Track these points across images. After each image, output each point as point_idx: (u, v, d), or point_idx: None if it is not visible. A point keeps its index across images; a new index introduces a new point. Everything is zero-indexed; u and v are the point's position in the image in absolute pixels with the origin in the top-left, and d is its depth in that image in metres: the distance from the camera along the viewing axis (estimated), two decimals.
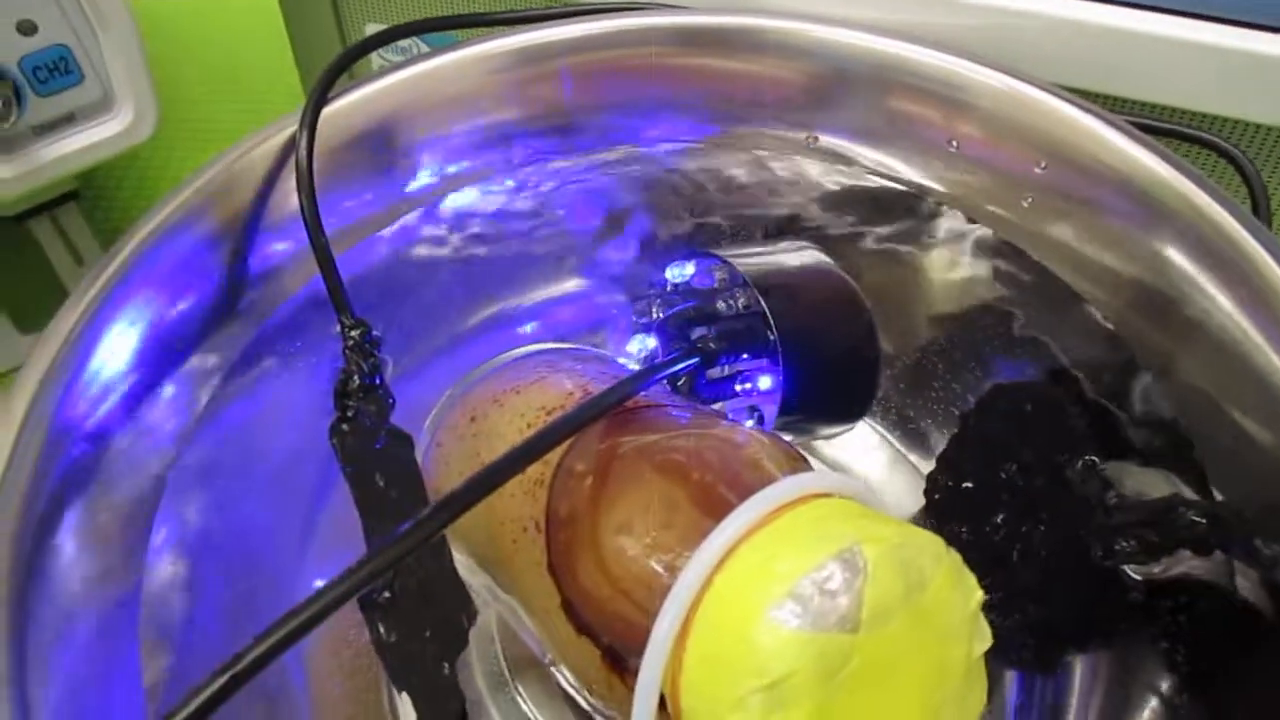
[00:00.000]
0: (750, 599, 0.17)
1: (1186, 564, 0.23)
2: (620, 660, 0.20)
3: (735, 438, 0.21)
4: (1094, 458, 0.24)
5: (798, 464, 0.21)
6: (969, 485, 0.26)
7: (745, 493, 0.18)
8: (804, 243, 0.29)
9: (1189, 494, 0.22)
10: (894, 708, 0.17)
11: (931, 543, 0.18)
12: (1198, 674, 0.22)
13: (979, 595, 0.19)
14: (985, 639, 0.19)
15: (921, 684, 0.18)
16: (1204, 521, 0.20)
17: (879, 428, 0.31)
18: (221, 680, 0.16)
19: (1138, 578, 0.22)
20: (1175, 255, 0.23)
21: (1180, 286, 0.23)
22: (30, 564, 0.19)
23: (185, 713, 0.16)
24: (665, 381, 0.27)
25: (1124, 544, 0.22)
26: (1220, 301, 0.22)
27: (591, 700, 0.21)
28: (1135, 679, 0.23)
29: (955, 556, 0.18)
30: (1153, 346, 0.24)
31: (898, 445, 0.30)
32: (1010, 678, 0.25)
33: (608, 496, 0.21)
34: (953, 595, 0.18)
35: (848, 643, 0.17)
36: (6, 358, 0.36)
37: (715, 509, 0.19)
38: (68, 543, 0.20)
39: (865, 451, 0.31)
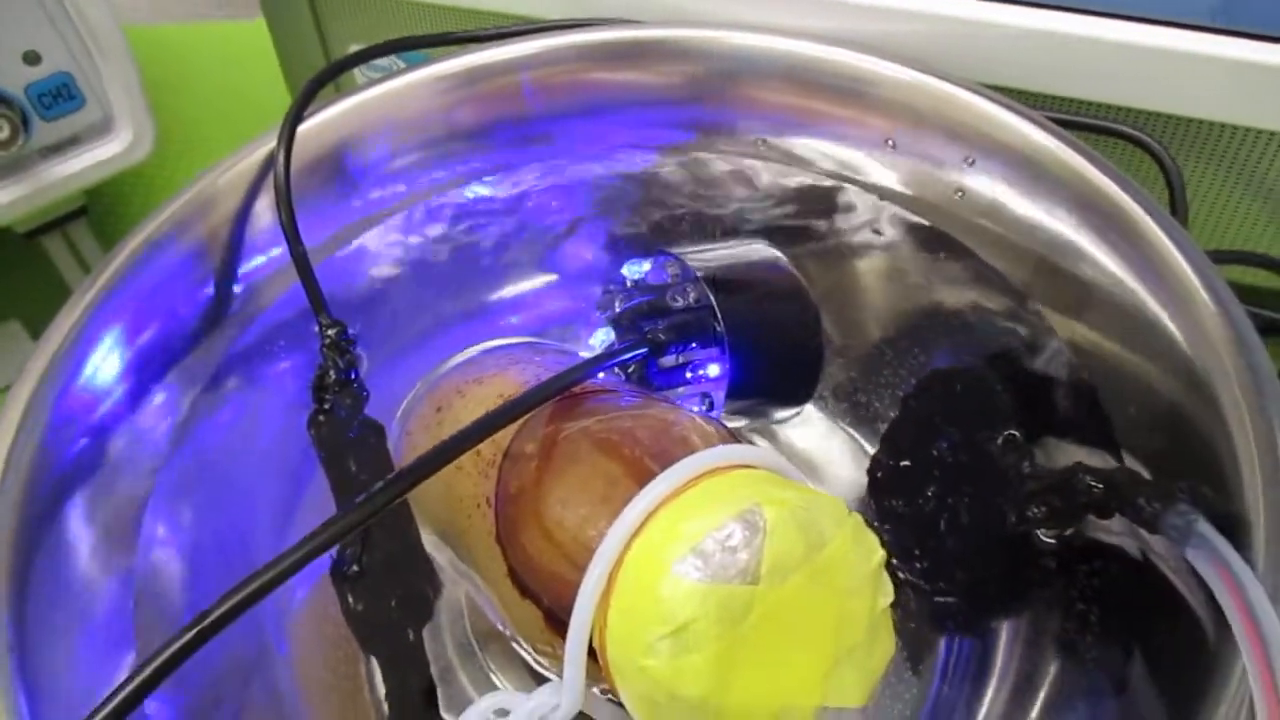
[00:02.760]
0: (660, 556, 0.19)
1: (1102, 530, 0.24)
2: (558, 621, 0.22)
3: (668, 418, 0.23)
4: (1014, 432, 0.25)
5: (726, 440, 0.23)
6: (906, 463, 0.28)
7: (670, 466, 0.20)
8: (756, 239, 0.31)
9: (1100, 462, 0.23)
10: (798, 656, 0.19)
11: (833, 505, 0.20)
12: (1107, 629, 0.23)
13: (880, 554, 0.20)
14: (888, 594, 0.20)
15: (825, 635, 0.19)
16: (1101, 486, 0.22)
17: (832, 414, 0.32)
18: (190, 634, 0.18)
19: (1051, 541, 0.24)
20: (1084, 234, 0.25)
21: (1086, 259, 0.25)
22: (33, 546, 0.22)
23: (157, 663, 0.18)
24: (621, 371, 0.29)
25: (1035, 511, 0.24)
26: (1114, 269, 0.24)
27: (540, 660, 0.23)
28: (1052, 636, 0.24)
29: (856, 518, 0.20)
30: (1064, 316, 0.26)
31: (851, 431, 0.32)
32: (940, 640, 0.27)
33: (550, 474, 0.23)
34: (853, 553, 0.20)
35: (748, 594, 0.18)
36: (21, 364, 0.38)
37: (643, 481, 0.21)
38: (69, 526, 0.23)
39: (821, 437, 0.32)
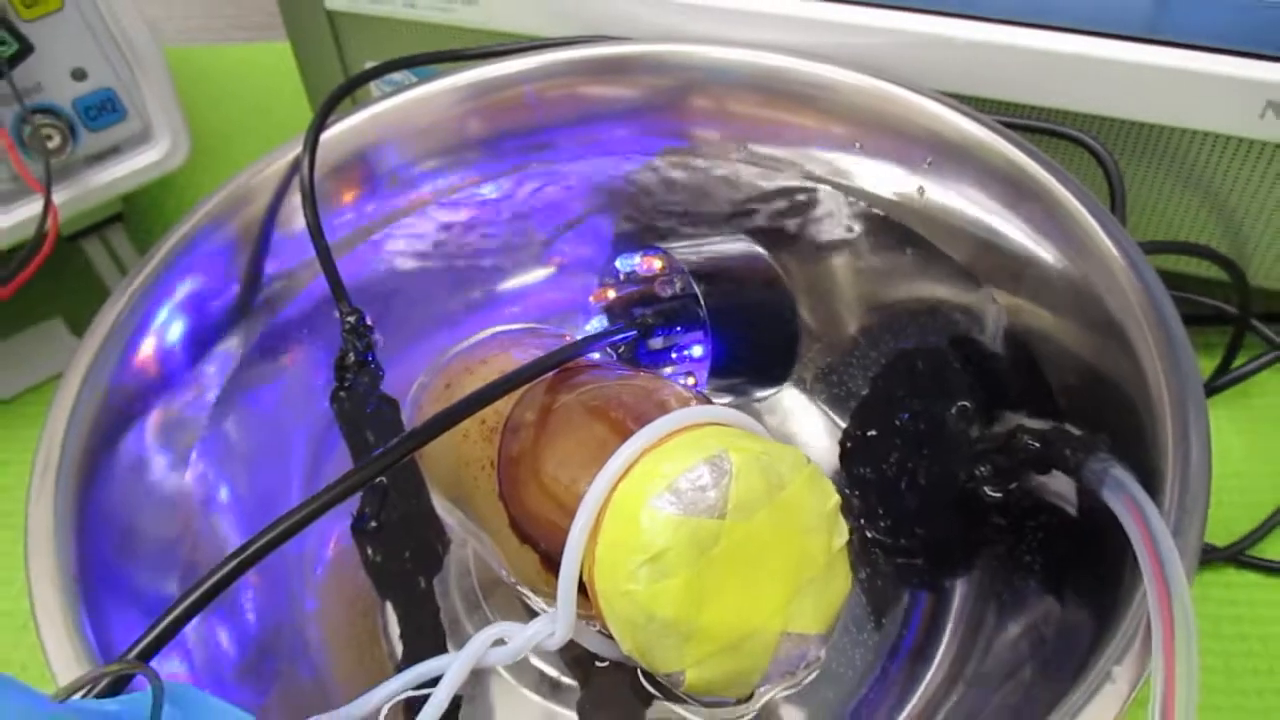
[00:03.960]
0: (640, 494, 0.21)
1: (1045, 491, 0.27)
2: (553, 562, 0.24)
3: (649, 386, 0.26)
4: (966, 403, 0.28)
5: (701, 403, 0.25)
6: (873, 434, 0.31)
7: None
8: (738, 235, 0.34)
9: (1040, 425, 0.26)
10: (761, 583, 0.22)
11: (792, 454, 0.23)
12: (1048, 576, 0.26)
13: (835, 499, 0.23)
14: (843, 535, 0.23)
15: (785, 566, 0.22)
16: (1037, 444, 0.25)
17: (811, 394, 0.35)
18: (230, 565, 0.21)
19: (998, 495, 0.27)
20: (1026, 221, 0.28)
21: (1028, 243, 0.28)
22: (99, 452, 0.24)
23: (204, 588, 0.21)
24: (613, 352, 0.31)
25: (981, 469, 0.26)
26: (1051, 251, 0.27)
27: (538, 600, 0.26)
28: (1000, 582, 0.27)
29: (814, 467, 0.23)
30: (1010, 295, 0.28)
31: (827, 409, 0.35)
32: (903, 594, 0.29)
33: (546, 437, 0.26)
34: (810, 496, 0.23)
35: (716, 527, 0.21)
36: (64, 359, 0.41)
37: (627, 439, 0.23)
38: (127, 463, 0.26)
39: (801, 416, 0.35)
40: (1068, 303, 0.27)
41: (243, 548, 0.21)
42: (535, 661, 0.29)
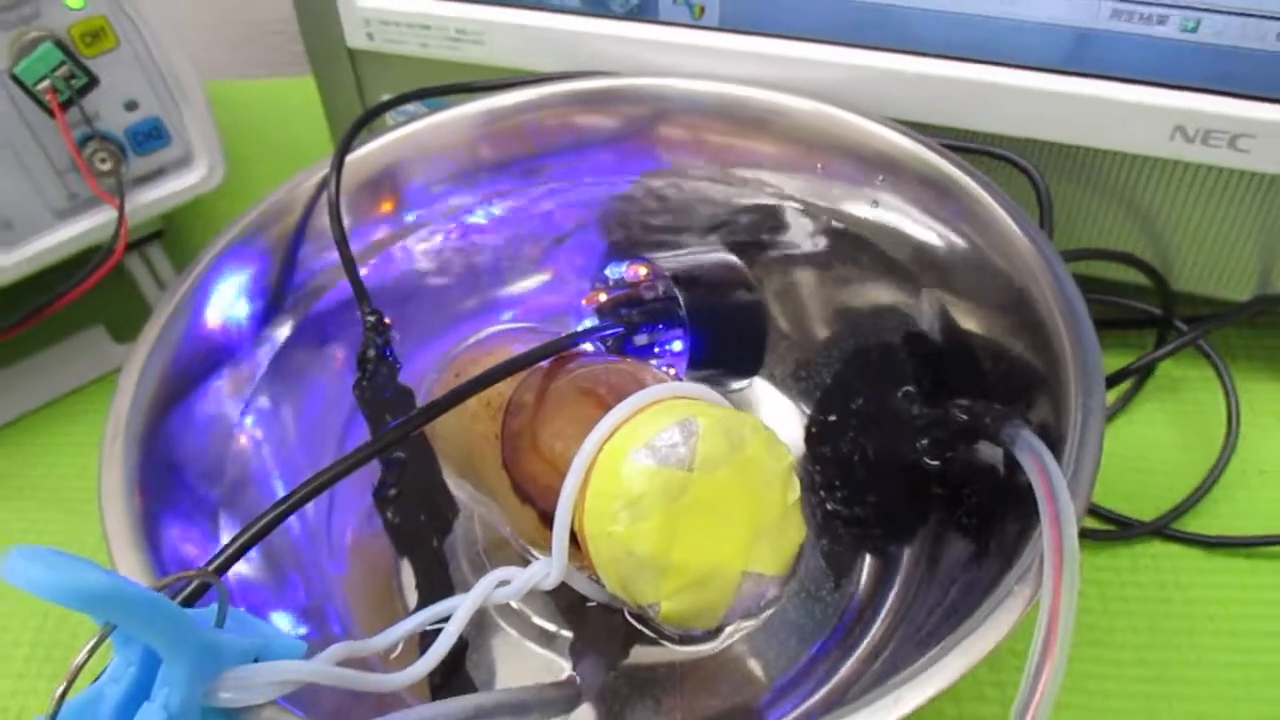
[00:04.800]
0: (622, 451, 0.25)
1: (979, 461, 0.31)
2: (549, 519, 0.28)
3: (630, 370, 0.30)
4: (910, 388, 0.32)
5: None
6: (833, 418, 0.35)
7: None
8: (715, 245, 0.38)
9: (965, 402, 0.30)
10: (725, 528, 0.26)
11: (752, 421, 0.27)
12: (979, 532, 0.30)
13: (789, 459, 0.27)
14: (796, 490, 0.27)
15: (745, 514, 0.26)
16: (965, 417, 0.29)
17: (782, 388, 0.39)
18: (279, 510, 0.25)
19: (936, 463, 0.30)
20: (963, 227, 0.32)
21: (963, 245, 0.32)
22: (161, 413, 0.28)
23: (249, 535, 0.25)
24: (604, 347, 0.35)
25: (921, 443, 0.30)
26: (985, 253, 0.31)
27: (537, 556, 0.30)
28: (940, 542, 0.31)
29: (771, 432, 0.27)
30: (948, 293, 0.33)
31: (797, 401, 0.39)
32: (858, 559, 0.33)
33: (543, 413, 0.30)
34: (767, 455, 0.27)
35: (685, 478, 0.25)
36: (106, 363, 0.45)
37: (610, 410, 0.27)
38: (184, 423, 0.30)
39: (773, 407, 0.39)
40: (994, 298, 0.31)
41: (291, 493, 0.25)
42: (535, 619, 0.33)
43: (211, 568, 0.22)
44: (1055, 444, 0.26)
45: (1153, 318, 0.40)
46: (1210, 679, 0.33)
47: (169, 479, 0.28)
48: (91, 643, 0.19)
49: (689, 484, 0.25)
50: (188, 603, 0.22)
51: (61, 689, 0.19)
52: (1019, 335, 0.30)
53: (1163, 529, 0.36)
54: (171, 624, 0.19)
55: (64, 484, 0.41)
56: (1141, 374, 0.41)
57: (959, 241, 0.33)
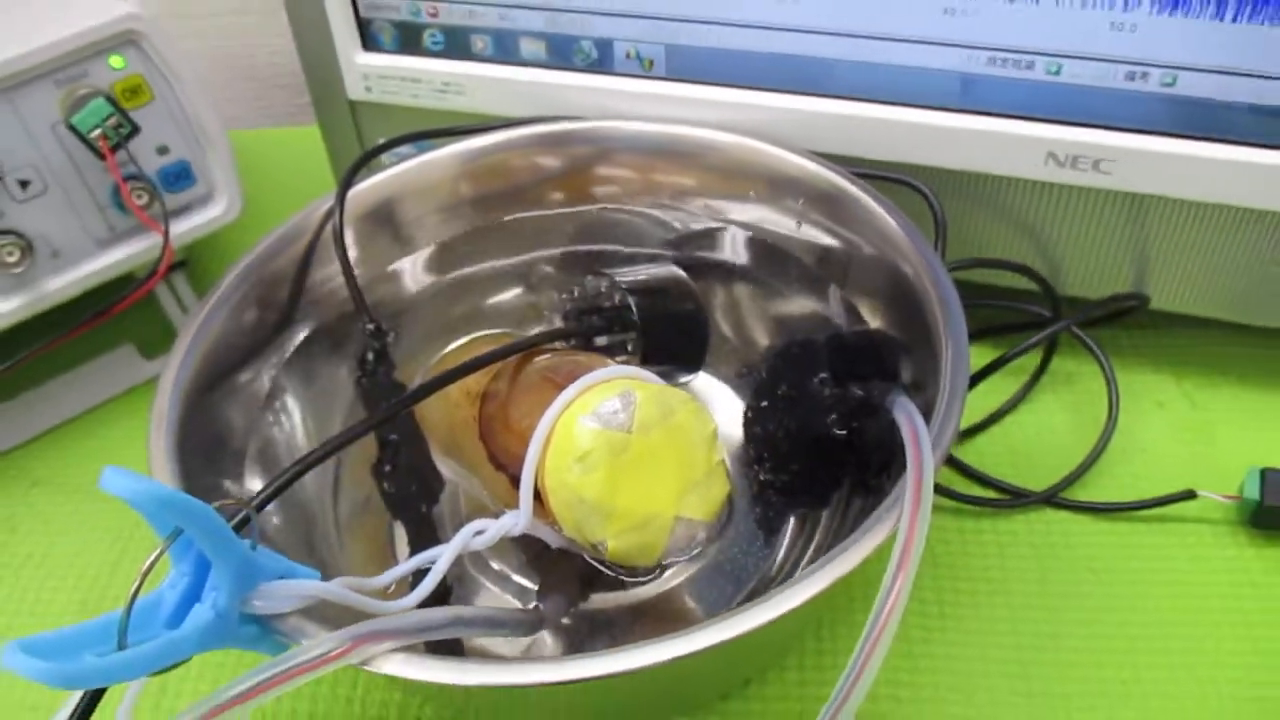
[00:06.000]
0: (573, 418, 0.31)
1: (878, 428, 0.37)
2: (518, 480, 0.34)
3: (584, 360, 0.36)
4: (824, 374, 0.38)
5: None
6: (764, 404, 0.40)
7: None
8: (666, 262, 0.45)
9: (863, 381, 0.36)
10: (659, 481, 0.32)
11: (681, 394, 0.33)
12: (882, 492, 0.36)
13: (713, 425, 0.33)
14: (719, 452, 0.33)
15: (676, 470, 0.32)
16: (860, 392, 0.35)
17: (725, 383, 0.45)
18: (301, 465, 0.31)
19: (843, 433, 0.36)
20: (867, 239, 0.38)
21: (868, 254, 0.38)
22: (189, 419, 0.34)
23: (279, 482, 0.30)
24: (570, 345, 0.41)
25: (830, 418, 0.36)
26: (888, 260, 0.37)
27: None
28: (851, 503, 0.37)
29: (698, 404, 0.33)
30: (854, 294, 0.39)
31: (738, 392, 0.45)
32: (784, 521, 0.39)
33: (513, 397, 0.36)
34: (694, 421, 0.32)
35: (625, 438, 0.31)
36: (136, 376, 0.51)
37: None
38: (219, 401, 0.36)
39: (720, 399, 0.45)
40: (887, 294, 0.37)
41: (309, 454, 0.31)
42: (515, 576, 0.38)
43: (253, 504, 0.28)
44: (928, 411, 0.32)
45: (1043, 319, 0.46)
46: (1091, 620, 0.39)
47: (202, 453, 0.34)
48: (158, 550, 0.25)
49: (628, 443, 0.31)
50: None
51: (134, 589, 0.25)
52: (907, 324, 0.36)
53: (1052, 498, 0.42)
54: (222, 536, 0.25)
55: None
56: (1037, 371, 0.47)
57: (860, 249, 0.39)
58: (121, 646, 0.24)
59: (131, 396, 0.51)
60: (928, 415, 0.32)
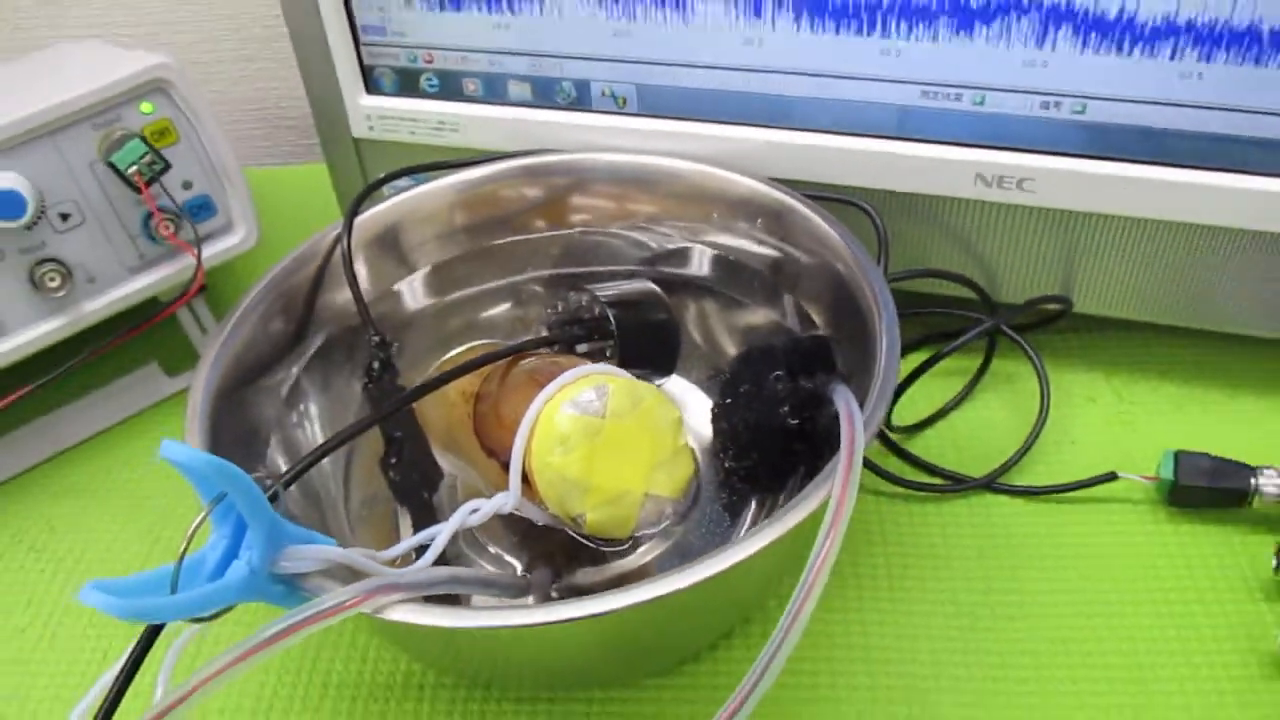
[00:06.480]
0: (555, 407, 0.36)
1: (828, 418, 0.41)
2: (508, 466, 0.39)
3: (564, 362, 0.41)
4: (780, 372, 0.43)
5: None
6: (728, 401, 0.45)
7: None
8: (641, 278, 0.50)
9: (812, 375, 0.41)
10: (630, 461, 0.36)
11: (649, 387, 0.38)
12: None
13: (677, 413, 0.38)
14: (684, 436, 0.38)
15: (645, 452, 0.37)
16: (809, 385, 0.39)
17: (698, 385, 0.50)
18: (320, 450, 0.35)
19: (796, 423, 0.41)
20: (816, 252, 0.43)
21: (816, 265, 0.43)
22: (221, 414, 0.39)
23: (304, 462, 0.35)
24: (554, 351, 0.46)
25: (784, 409, 0.41)
26: (832, 269, 0.42)
27: None
28: (800, 482, 0.41)
29: (664, 394, 0.38)
30: (804, 301, 0.44)
31: (707, 393, 0.49)
32: (747, 502, 0.44)
33: (503, 395, 0.40)
34: (661, 410, 0.37)
35: (600, 423, 0.36)
36: (161, 392, 0.56)
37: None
38: (248, 397, 0.40)
39: (693, 401, 0.50)
40: (831, 299, 0.42)
41: (326, 441, 0.36)
42: (507, 556, 0.43)
43: (281, 480, 0.33)
44: (863, 398, 0.37)
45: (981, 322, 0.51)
46: (1022, 589, 0.43)
47: (232, 443, 0.38)
48: (204, 513, 0.30)
49: (602, 428, 0.36)
50: None
51: (183, 547, 0.29)
52: (848, 323, 0.41)
53: (991, 484, 0.47)
54: (258, 501, 0.29)
55: (136, 486, 0.52)
56: (978, 372, 0.52)
57: (809, 260, 0.44)
58: (173, 592, 0.28)
59: (157, 410, 0.56)
60: (864, 400, 0.36)
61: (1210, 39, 0.41)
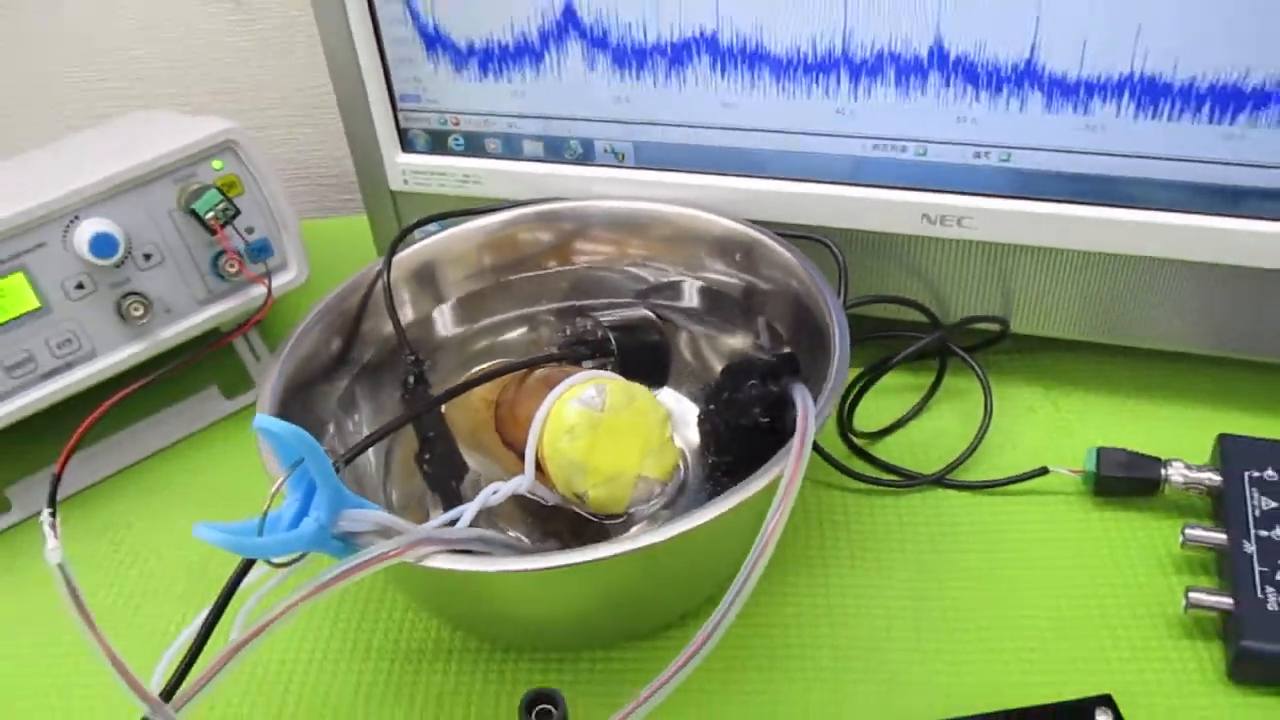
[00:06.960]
0: (564, 401, 0.44)
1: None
2: (523, 455, 0.46)
3: (571, 371, 0.48)
4: (755, 380, 0.50)
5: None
6: (712, 407, 0.53)
7: None
8: (639, 306, 0.58)
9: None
10: (625, 448, 0.44)
11: (641, 388, 0.45)
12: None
13: (665, 411, 0.45)
14: (670, 428, 0.45)
15: (637, 440, 0.44)
16: (774, 389, 0.47)
17: (690, 396, 0.57)
18: (370, 438, 0.43)
19: (767, 420, 0.48)
20: (786, 281, 0.51)
21: (787, 292, 0.51)
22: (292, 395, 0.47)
23: (360, 445, 0.43)
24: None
25: (757, 409, 0.48)
26: (798, 294, 0.50)
27: None
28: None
29: (654, 396, 0.45)
30: (776, 322, 0.51)
31: (696, 403, 0.57)
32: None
33: (520, 399, 0.48)
34: (651, 406, 0.45)
35: (599, 416, 0.44)
36: (220, 412, 0.64)
37: None
38: (308, 400, 0.48)
39: (684, 411, 0.57)
40: (795, 318, 0.50)
41: (376, 430, 0.44)
42: (524, 540, 0.50)
43: (342, 458, 0.40)
44: (818, 392, 0.45)
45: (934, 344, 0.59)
46: (968, 570, 0.50)
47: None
48: (282, 478, 0.37)
49: (601, 420, 0.44)
50: None
51: (267, 503, 0.37)
52: (809, 337, 0.49)
53: (941, 480, 0.54)
54: (327, 467, 0.37)
55: (200, 491, 0.59)
56: (932, 387, 0.59)
57: (777, 287, 0.52)
58: (260, 535, 0.36)
59: (215, 429, 0.64)
60: (818, 395, 0.44)
61: (1112, 90, 0.49)
